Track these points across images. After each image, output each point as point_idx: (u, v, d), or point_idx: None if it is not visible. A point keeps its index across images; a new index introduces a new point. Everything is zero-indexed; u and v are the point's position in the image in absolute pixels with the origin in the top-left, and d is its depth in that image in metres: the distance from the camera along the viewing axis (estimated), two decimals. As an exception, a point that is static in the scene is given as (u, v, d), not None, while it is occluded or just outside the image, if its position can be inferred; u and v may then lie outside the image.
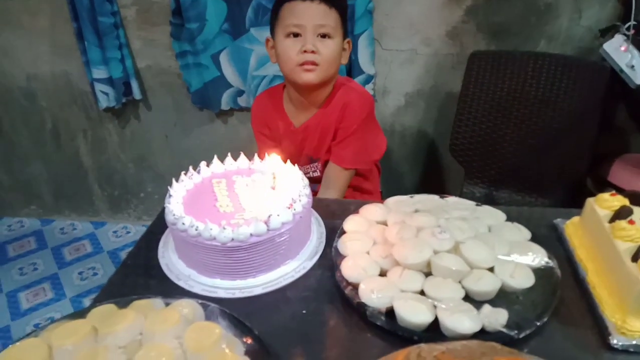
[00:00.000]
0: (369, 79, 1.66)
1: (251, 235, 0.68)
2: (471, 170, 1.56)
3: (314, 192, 1.17)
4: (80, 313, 0.61)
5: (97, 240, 2.08)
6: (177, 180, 0.79)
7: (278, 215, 0.70)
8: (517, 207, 0.89)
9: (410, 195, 0.88)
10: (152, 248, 0.80)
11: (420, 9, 1.53)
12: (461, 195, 1.56)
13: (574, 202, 0.89)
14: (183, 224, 0.70)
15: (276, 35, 1.05)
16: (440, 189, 1.74)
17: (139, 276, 0.75)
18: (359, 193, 1.24)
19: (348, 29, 1.15)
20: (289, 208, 0.72)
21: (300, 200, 0.74)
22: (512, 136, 1.46)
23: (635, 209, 0.70)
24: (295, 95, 1.12)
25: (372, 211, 0.82)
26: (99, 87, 1.76)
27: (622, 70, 1.27)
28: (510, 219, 0.81)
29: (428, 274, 0.68)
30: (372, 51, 1.61)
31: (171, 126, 1.91)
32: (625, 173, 1.42)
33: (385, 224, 0.79)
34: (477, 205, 0.84)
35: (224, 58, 1.68)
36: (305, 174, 1.15)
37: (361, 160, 1.16)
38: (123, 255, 1.97)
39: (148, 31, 1.71)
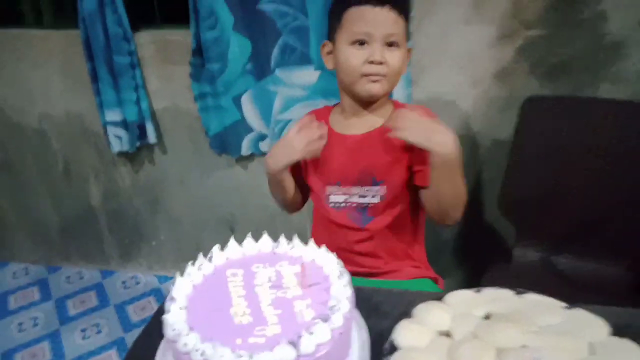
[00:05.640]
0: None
1: (274, 364, 0.50)
2: (525, 230, 1.35)
3: (367, 229, 0.99)
4: None
5: (104, 291, 1.92)
6: (181, 274, 0.62)
7: (311, 333, 0.52)
8: (625, 311, 0.67)
9: (475, 290, 0.69)
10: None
11: (466, 46, 1.37)
12: (510, 261, 1.37)
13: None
14: (185, 344, 0.52)
15: (338, 41, 0.94)
16: (486, 252, 1.52)
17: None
18: (409, 260, 1.05)
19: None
20: (325, 322, 0.54)
21: (340, 309, 0.56)
22: (580, 189, 1.25)
23: None
24: (352, 105, 0.99)
25: (430, 315, 0.63)
26: (112, 130, 1.64)
27: None
28: (618, 331, 0.60)
29: None
30: (408, 94, 1.45)
31: (187, 171, 1.77)
32: None
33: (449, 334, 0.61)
34: (566, 307, 0.65)
35: (246, 100, 1.54)
36: (360, 197, 0.97)
37: None
38: (130, 310, 1.80)
39: (167, 70, 1.60)
